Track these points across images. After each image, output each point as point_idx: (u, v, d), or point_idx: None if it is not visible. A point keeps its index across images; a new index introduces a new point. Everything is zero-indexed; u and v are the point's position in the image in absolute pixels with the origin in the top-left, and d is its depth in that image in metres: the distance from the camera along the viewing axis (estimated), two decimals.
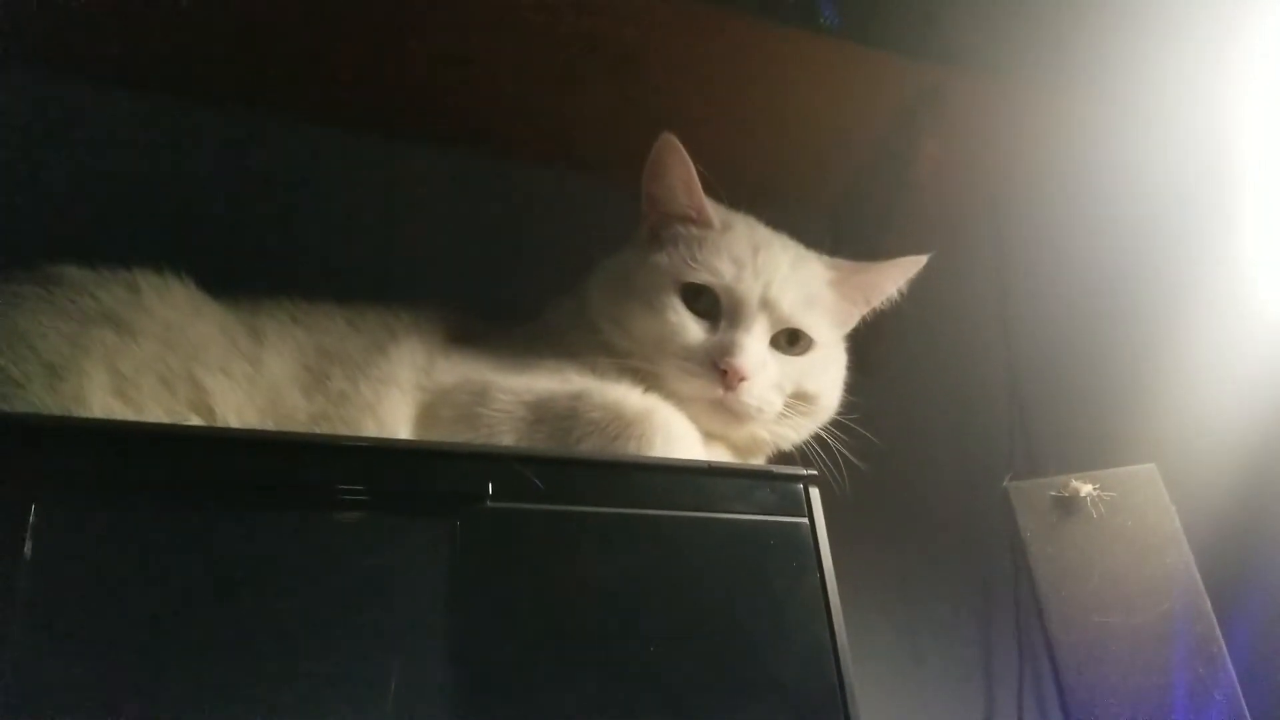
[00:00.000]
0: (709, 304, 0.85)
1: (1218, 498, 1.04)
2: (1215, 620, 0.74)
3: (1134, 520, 0.79)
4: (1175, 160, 1.13)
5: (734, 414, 0.82)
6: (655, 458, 0.72)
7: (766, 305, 0.84)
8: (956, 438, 1.30)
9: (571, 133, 1.15)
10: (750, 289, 0.85)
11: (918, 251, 1.34)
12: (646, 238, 0.89)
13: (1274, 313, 1.03)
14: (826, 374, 0.88)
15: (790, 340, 0.86)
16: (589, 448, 0.72)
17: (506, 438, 0.73)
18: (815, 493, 0.70)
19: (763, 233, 0.92)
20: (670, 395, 0.80)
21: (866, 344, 1.30)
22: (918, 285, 1.37)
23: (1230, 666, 0.72)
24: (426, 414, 0.73)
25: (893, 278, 0.92)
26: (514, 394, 0.74)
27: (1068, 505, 0.81)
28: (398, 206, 1.08)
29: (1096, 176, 1.21)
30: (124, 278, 0.70)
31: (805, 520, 0.69)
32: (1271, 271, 1.02)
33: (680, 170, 0.86)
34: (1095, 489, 0.81)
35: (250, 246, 0.96)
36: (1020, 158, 1.26)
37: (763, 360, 0.83)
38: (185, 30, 0.95)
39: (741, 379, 0.80)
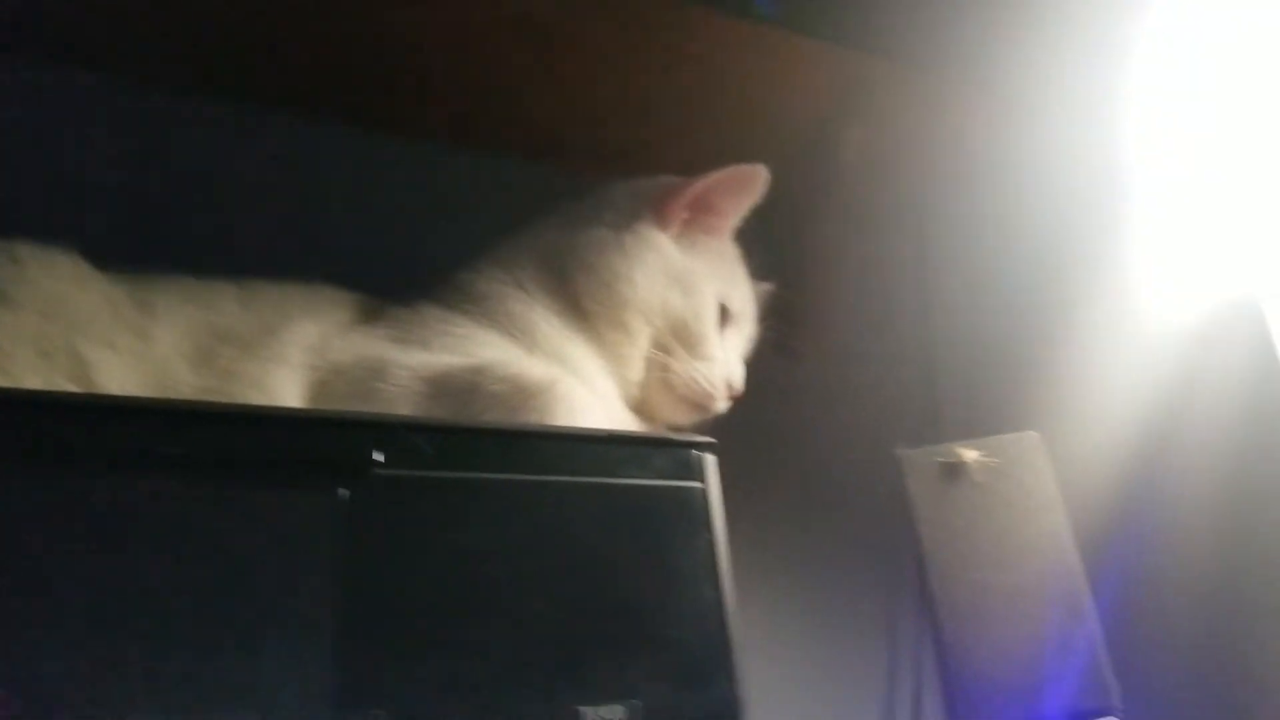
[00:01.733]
0: (722, 320, 0.95)
1: (1100, 465, 1.10)
2: (1085, 578, 0.78)
3: (1015, 485, 0.84)
4: (1074, 158, 1.18)
5: (707, 413, 0.92)
6: (553, 425, 0.74)
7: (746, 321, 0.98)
8: (876, 414, 1.34)
9: (495, 114, 1.15)
10: (743, 312, 0.98)
11: (840, 250, 1.41)
12: (674, 234, 0.95)
13: (1154, 306, 1.09)
14: None
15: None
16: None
17: (404, 413, 0.74)
18: (712, 460, 0.73)
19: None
20: (656, 378, 0.90)
21: (790, 328, 1.32)
22: (841, 272, 1.43)
23: (1095, 620, 0.77)
24: (320, 391, 0.74)
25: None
26: (411, 369, 0.76)
27: (954, 471, 0.86)
28: (309, 186, 1.08)
29: (1008, 171, 1.26)
30: (5, 249, 0.69)
31: (700, 485, 0.72)
32: (1151, 266, 1.08)
33: (750, 201, 0.96)
34: (980, 455, 0.85)
35: (155, 225, 0.95)
36: (942, 150, 1.31)
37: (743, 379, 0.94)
38: None
39: (736, 396, 0.93)
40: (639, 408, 0.91)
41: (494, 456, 0.68)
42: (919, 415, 1.35)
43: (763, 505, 1.24)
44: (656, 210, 0.94)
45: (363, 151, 1.11)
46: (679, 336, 0.92)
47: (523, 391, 0.75)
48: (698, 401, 0.92)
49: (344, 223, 1.07)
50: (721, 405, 0.94)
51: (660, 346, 0.91)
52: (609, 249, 0.92)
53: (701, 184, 0.94)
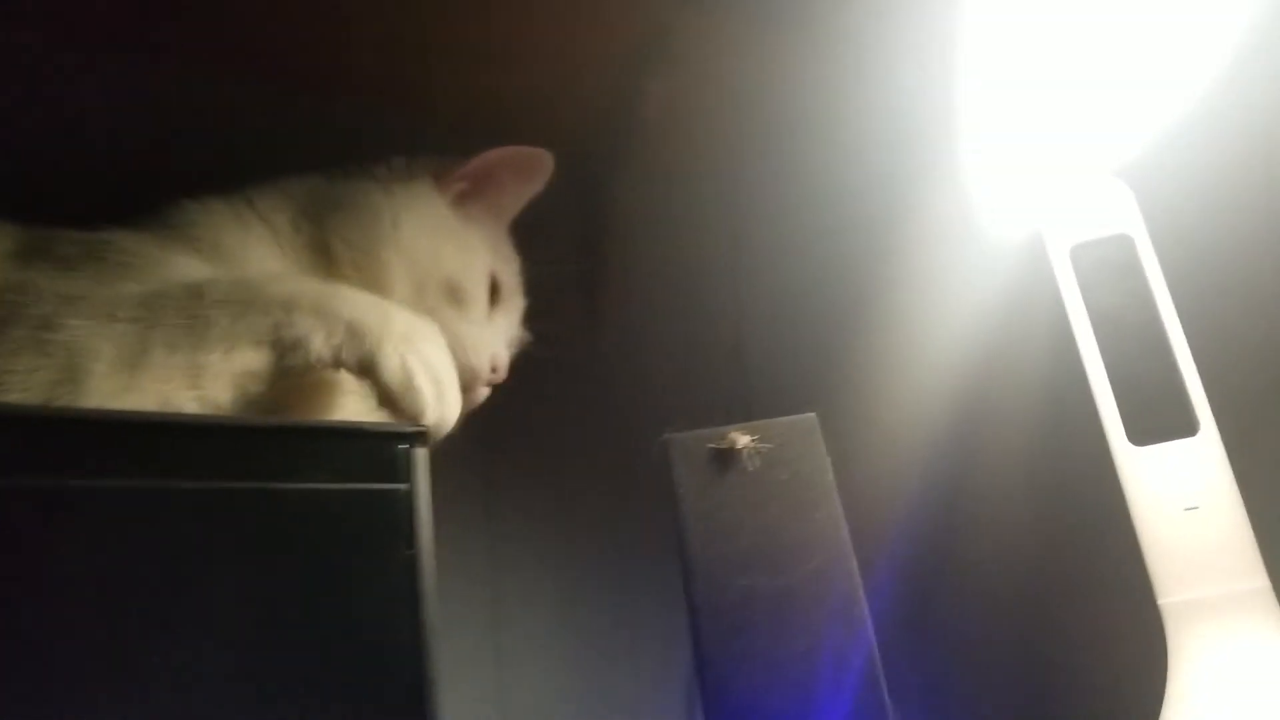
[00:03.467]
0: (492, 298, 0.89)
1: (915, 447, 1.02)
2: (860, 581, 0.69)
3: (790, 473, 0.74)
4: (901, 107, 1.09)
5: (465, 395, 0.79)
6: (210, 416, 0.60)
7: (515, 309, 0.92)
8: (680, 395, 1.25)
9: (275, 50, 0.99)
10: (513, 297, 0.91)
11: (643, 215, 1.30)
12: (453, 199, 0.89)
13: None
14: None
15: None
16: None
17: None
18: (422, 455, 0.60)
19: None
20: None
21: (595, 291, 1.26)
22: (644, 240, 1.33)
23: (870, 631, 0.68)
24: None
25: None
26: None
27: (725, 458, 0.75)
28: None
29: (827, 121, 1.17)
30: None
31: (404, 487, 0.59)
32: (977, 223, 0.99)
33: (533, 187, 0.93)
34: (753, 440, 0.75)
35: None
36: (753, 102, 1.20)
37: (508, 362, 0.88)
38: None
39: (500, 380, 0.87)
40: None
41: (131, 456, 0.53)
42: (727, 394, 1.26)
43: (536, 500, 1.15)
44: (434, 174, 0.89)
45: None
46: (448, 294, 0.84)
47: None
48: (461, 375, 0.80)
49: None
50: (483, 390, 0.85)
51: (424, 307, 0.80)
52: (374, 192, 0.84)
53: (483, 159, 0.90)
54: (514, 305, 0.93)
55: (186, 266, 0.73)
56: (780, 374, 1.25)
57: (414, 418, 0.65)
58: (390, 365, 0.65)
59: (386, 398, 0.65)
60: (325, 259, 0.81)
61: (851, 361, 1.13)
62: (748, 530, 0.72)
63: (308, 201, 0.83)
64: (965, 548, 0.99)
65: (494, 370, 0.85)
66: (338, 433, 0.59)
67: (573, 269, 1.29)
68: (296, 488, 0.57)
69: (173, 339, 0.61)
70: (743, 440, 0.75)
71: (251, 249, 0.78)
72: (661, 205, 1.31)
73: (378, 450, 0.59)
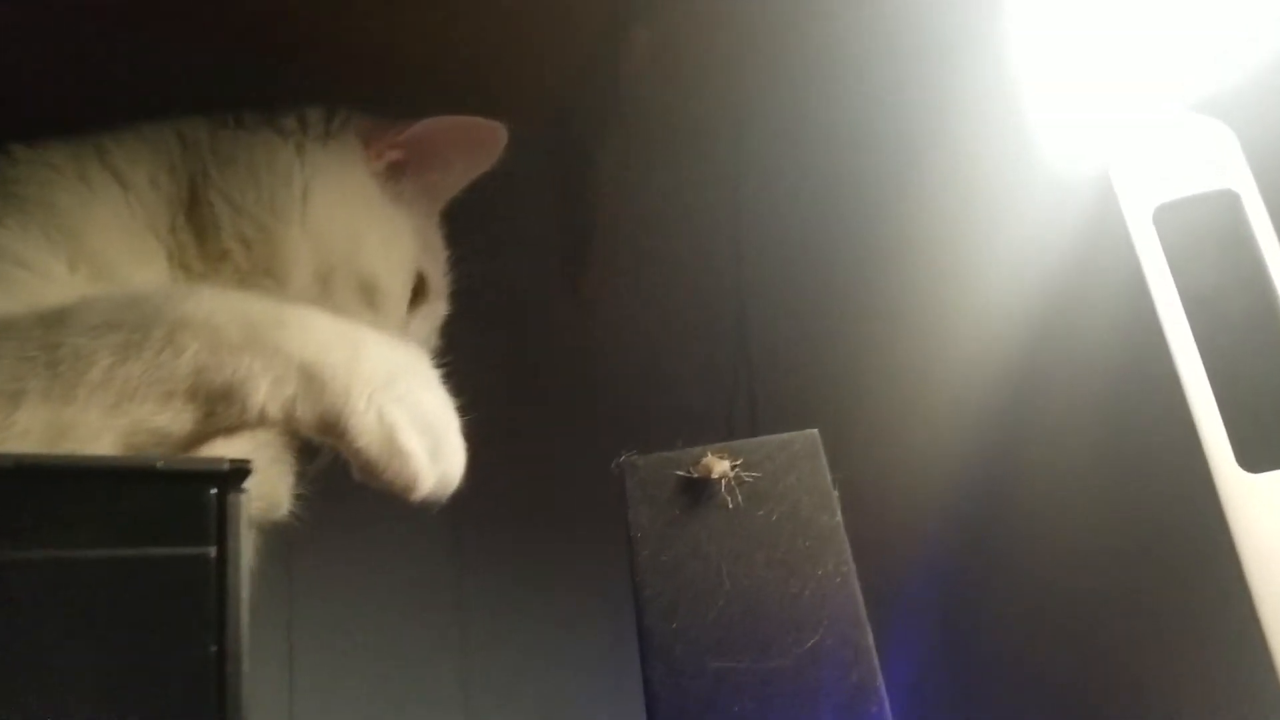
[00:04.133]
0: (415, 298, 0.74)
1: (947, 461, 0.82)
2: (876, 663, 0.50)
3: (782, 512, 0.55)
4: (934, 18, 0.89)
5: None
6: None
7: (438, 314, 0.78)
8: (677, 385, 1.08)
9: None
10: (438, 302, 0.77)
11: (634, 180, 1.13)
12: (383, 171, 0.74)
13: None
14: None
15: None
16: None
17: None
18: (238, 503, 0.42)
19: None
20: None
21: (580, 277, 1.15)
22: (635, 207, 1.17)
23: (889, 716, 0.49)
24: None
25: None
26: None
27: (697, 491, 0.56)
28: None
29: (841, 52, 1.00)
30: None
31: (209, 551, 0.41)
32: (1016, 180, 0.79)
33: (480, 165, 0.77)
34: (735, 467, 0.56)
35: None
36: (755, 48, 1.04)
37: None
38: None
39: None
40: None
41: None
42: (728, 390, 1.09)
43: (509, 533, 1.00)
44: (363, 136, 0.74)
45: None
46: (361, 290, 0.67)
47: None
48: None
49: None
50: None
51: (327, 305, 0.63)
52: (279, 149, 0.67)
53: (426, 126, 0.74)
54: (436, 310, 0.77)
55: (4, 238, 0.56)
56: (788, 367, 1.08)
57: (404, 491, 0.50)
58: (364, 424, 0.48)
59: (363, 467, 0.49)
60: (196, 229, 0.64)
61: (871, 353, 0.95)
62: (724, 592, 0.53)
63: (181, 153, 0.67)
64: (1011, 606, 0.79)
65: None
66: (111, 474, 0.41)
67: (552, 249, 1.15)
68: (48, 556, 0.39)
69: (15, 386, 0.43)
70: (720, 466, 0.56)
71: (95, 212, 0.62)
72: (653, 174, 1.16)
73: (173, 498, 0.41)
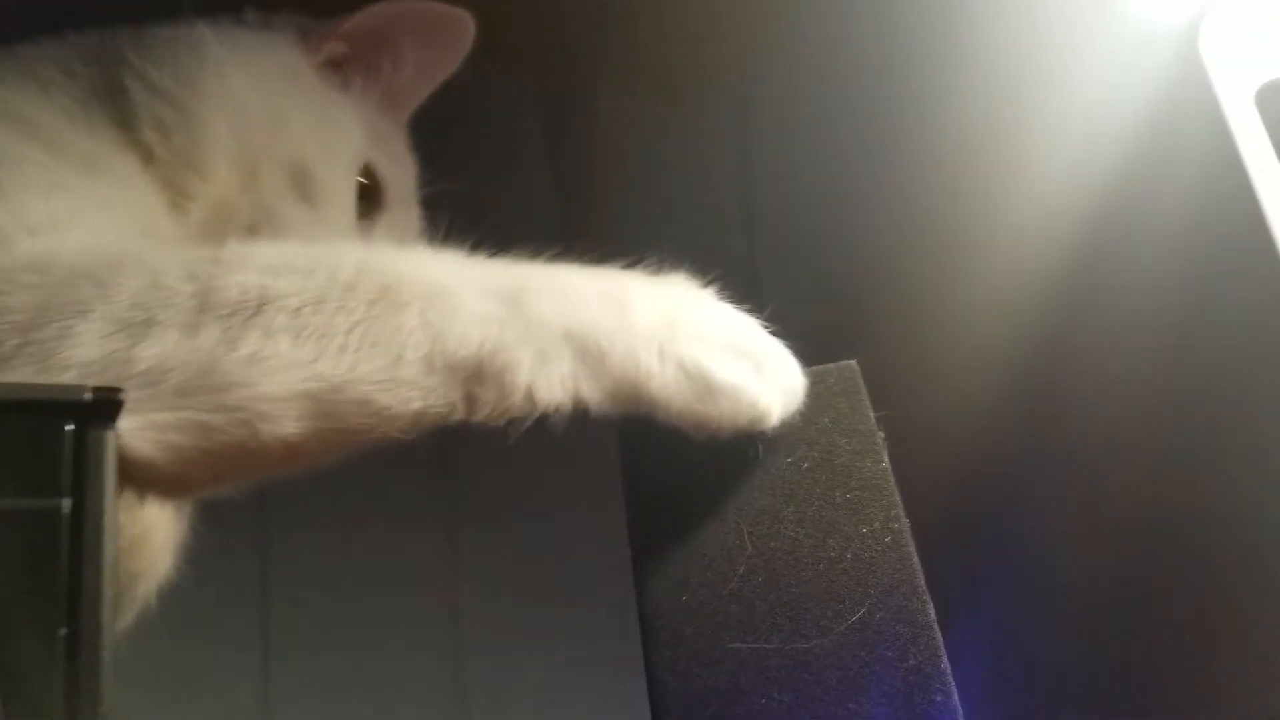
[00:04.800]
0: (364, 204, 0.63)
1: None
2: (939, 639, 0.40)
3: (815, 459, 0.45)
4: None
5: None
6: None
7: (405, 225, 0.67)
8: None
9: None
10: (403, 211, 0.66)
11: (636, 129, 1.05)
12: (322, 64, 0.65)
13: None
14: None
15: None
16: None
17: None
18: (108, 440, 0.32)
19: None
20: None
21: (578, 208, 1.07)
22: (638, 159, 1.06)
23: (956, 708, 0.39)
24: None
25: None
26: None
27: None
28: None
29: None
30: None
31: (64, 504, 0.31)
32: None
33: (445, 63, 0.69)
34: None
35: None
36: None
37: None
38: None
39: None
40: None
41: None
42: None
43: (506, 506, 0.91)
44: (302, 30, 0.65)
45: None
46: (293, 182, 0.59)
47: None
48: None
49: None
50: None
51: (256, 201, 0.58)
52: (201, 36, 0.60)
53: (371, 14, 0.65)
54: (404, 220, 0.66)
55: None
56: (806, 299, 0.98)
57: (753, 425, 0.43)
58: (669, 384, 0.41)
59: (696, 425, 0.42)
60: (116, 119, 0.56)
61: (905, 275, 0.84)
62: (747, 557, 0.43)
63: (100, 45, 0.59)
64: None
65: None
66: None
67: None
68: None
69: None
70: None
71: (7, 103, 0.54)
72: (653, 116, 1.07)
73: (14, 435, 0.31)
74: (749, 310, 0.45)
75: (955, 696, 0.39)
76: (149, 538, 0.49)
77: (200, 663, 0.87)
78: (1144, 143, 0.58)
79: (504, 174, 1.05)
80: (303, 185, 0.58)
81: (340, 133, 0.62)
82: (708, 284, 0.46)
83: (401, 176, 0.67)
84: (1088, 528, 0.71)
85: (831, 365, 0.47)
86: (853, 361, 0.47)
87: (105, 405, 0.32)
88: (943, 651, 0.40)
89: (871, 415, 0.46)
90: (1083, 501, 0.71)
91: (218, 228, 0.55)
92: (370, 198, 0.63)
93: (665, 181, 1.10)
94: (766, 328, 0.45)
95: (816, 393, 0.47)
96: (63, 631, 0.30)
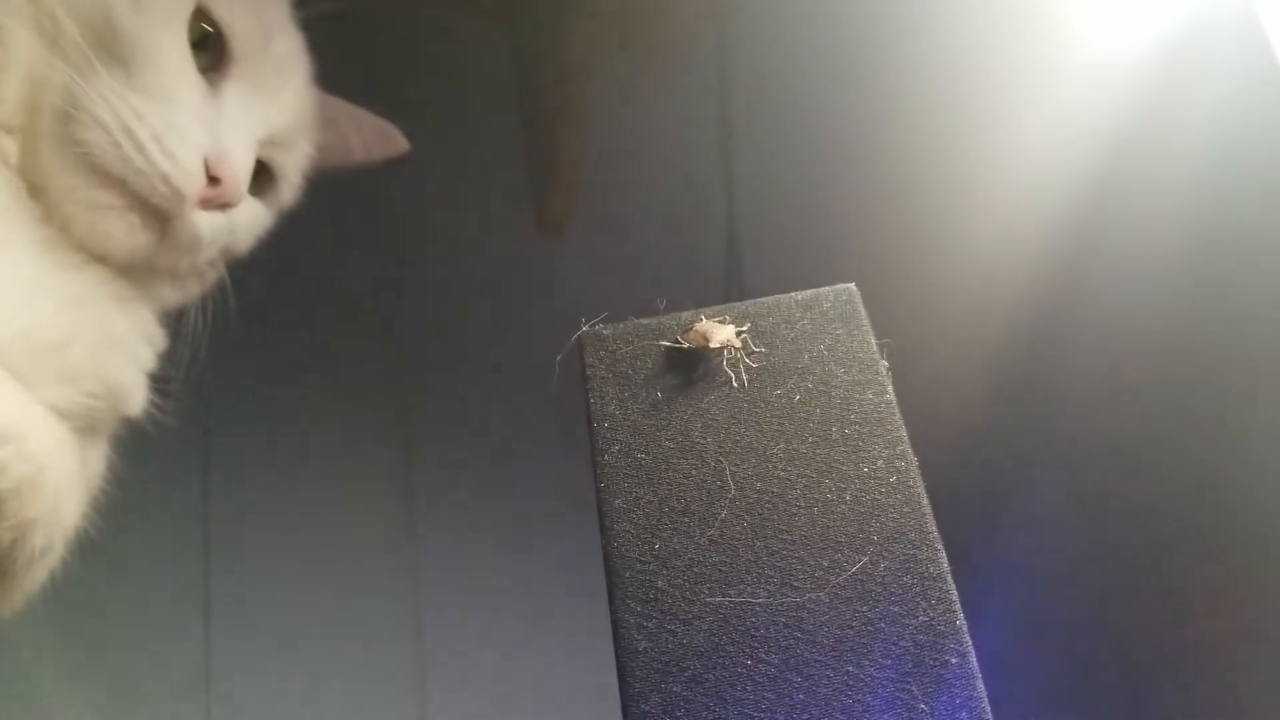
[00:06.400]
0: (208, 56, 0.51)
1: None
2: (954, 593, 0.34)
3: (808, 390, 0.39)
4: None
5: (181, 238, 0.50)
6: None
7: (273, 103, 0.54)
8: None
9: None
10: (269, 65, 0.54)
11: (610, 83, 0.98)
12: None
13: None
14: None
15: (258, 173, 0.55)
16: None
17: None
18: None
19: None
20: (51, 126, 0.47)
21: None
22: (631, 105, 1.02)
23: (975, 672, 0.33)
24: None
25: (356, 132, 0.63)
26: None
27: (688, 366, 0.40)
28: None
29: None
30: None
31: None
32: None
33: None
34: (741, 334, 0.40)
35: None
36: None
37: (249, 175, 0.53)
38: None
39: (230, 199, 0.51)
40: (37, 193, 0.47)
41: None
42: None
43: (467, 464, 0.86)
44: None
45: None
46: (99, 46, 0.48)
47: None
48: (138, 185, 0.48)
49: None
50: (199, 216, 0.50)
51: (62, 77, 0.48)
52: None
53: None
54: (270, 80, 0.55)
55: None
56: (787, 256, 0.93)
57: None
58: None
59: None
60: None
61: (896, 206, 0.78)
62: (729, 500, 0.37)
63: None
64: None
65: (214, 180, 0.49)
66: None
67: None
68: None
69: None
70: (721, 333, 0.40)
71: None
72: (626, 71, 1.02)
73: None
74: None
75: (974, 659, 0.33)
76: (40, 479, 0.43)
77: (140, 620, 0.81)
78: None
79: (473, 128, 1.00)
80: (113, 50, 0.48)
81: None
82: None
83: (256, 22, 0.55)
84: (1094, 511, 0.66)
85: (827, 288, 0.42)
86: (851, 284, 0.42)
87: None
88: (958, 607, 0.34)
89: (873, 342, 0.40)
90: (1082, 497, 0.66)
91: (30, 122, 0.47)
92: (220, 52, 0.52)
93: (641, 137, 1.05)
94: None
95: (811, 318, 0.41)
96: None
